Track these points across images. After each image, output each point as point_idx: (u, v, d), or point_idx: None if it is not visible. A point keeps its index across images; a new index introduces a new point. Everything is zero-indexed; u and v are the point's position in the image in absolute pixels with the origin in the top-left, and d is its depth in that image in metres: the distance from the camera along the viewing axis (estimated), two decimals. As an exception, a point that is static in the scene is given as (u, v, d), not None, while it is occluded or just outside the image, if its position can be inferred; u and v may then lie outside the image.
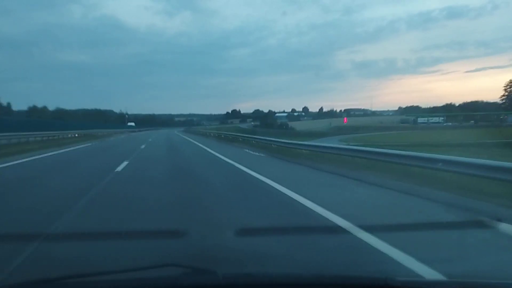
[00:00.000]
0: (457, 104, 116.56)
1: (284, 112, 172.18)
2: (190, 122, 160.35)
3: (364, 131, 63.50)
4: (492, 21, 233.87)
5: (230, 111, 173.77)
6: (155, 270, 1.80)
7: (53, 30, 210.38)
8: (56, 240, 4.05)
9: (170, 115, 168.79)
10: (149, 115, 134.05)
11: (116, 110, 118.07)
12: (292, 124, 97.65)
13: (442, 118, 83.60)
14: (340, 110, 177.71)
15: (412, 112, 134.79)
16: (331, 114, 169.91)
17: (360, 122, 78.69)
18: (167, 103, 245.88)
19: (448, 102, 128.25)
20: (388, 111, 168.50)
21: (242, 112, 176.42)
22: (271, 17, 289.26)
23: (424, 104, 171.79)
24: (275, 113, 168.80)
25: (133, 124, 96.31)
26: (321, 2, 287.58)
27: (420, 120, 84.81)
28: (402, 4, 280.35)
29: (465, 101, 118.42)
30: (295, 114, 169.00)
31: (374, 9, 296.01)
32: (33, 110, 79.54)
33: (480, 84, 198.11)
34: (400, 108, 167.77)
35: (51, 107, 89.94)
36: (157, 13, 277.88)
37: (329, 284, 1.73)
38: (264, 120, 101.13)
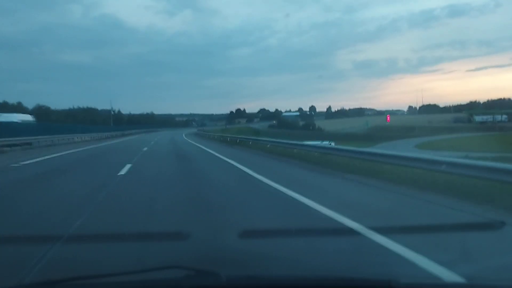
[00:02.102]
0: (481, 102, 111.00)
1: (290, 111, 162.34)
2: (192, 122, 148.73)
3: (421, 133, 48.91)
4: (494, 20, 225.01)
5: (234, 111, 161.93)
6: (159, 272, 1.76)
7: (52, 29, 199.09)
8: (59, 243, 3.85)
9: (170, 115, 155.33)
10: (147, 114, 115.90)
11: (121, 110, 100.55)
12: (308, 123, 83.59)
13: (505, 116, 68.98)
14: (348, 109, 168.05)
15: (428, 111, 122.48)
16: (343, 113, 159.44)
17: (401, 121, 64.13)
18: (167, 103, 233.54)
19: (473, 99, 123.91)
20: (398, 110, 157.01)
21: (246, 111, 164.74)
22: (272, 16, 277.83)
23: (426, 103, 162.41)
24: (281, 112, 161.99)
25: (20, 118, 31.15)
26: (322, 1, 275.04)
27: (478, 118, 70.02)
28: (404, 2, 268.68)
29: (490, 99, 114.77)
30: (308, 113, 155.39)
31: (376, 8, 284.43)
32: (2, 107, 65.43)
33: (481, 84, 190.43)
34: (410, 107, 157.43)
35: (52, 107, 76.49)
36: (157, 13, 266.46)
37: (332, 286, 1.73)
38: (282, 120, 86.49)
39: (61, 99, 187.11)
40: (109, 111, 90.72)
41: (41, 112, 73.30)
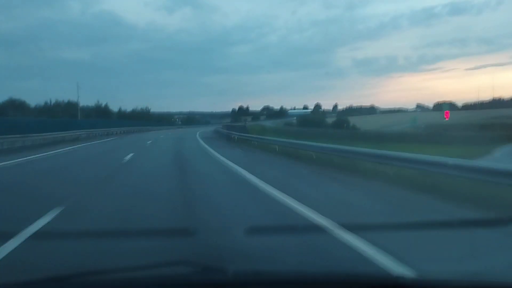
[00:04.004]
0: (505, 99, 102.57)
1: (295, 108, 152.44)
2: (192, 120, 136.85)
3: (508, 132, 36.16)
4: (495, 17, 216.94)
5: (237, 108, 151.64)
6: (166, 268, 1.78)
7: (50, 26, 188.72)
8: (69, 238, 3.90)
9: (169, 112, 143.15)
10: (142, 110, 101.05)
11: (115, 108, 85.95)
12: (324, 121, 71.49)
13: None
14: (356, 106, 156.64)
15: (446, 108, 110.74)
16: (353, 110, 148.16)
17: (455, 119, 51.71)
18: (166, 100, 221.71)
19: (496, 96, 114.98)
20: (404, 108, 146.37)
21: (249, 109, 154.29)
22: (272, 13, 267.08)
23: (426, 102, 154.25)
24: (286, 109, 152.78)
25: None
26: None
27: None
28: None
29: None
30: (321, 110, 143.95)
31: (376, 6, 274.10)
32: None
33: (480, 82, 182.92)
34: (418, 105, 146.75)
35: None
36: (157, 9, 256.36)
37: (338, 282, 1.72)
38: (303, 118, 73.96)
39: (59, 97, 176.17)
40: (99, 106, 76.36)
41: (13, 107, 61.61)
